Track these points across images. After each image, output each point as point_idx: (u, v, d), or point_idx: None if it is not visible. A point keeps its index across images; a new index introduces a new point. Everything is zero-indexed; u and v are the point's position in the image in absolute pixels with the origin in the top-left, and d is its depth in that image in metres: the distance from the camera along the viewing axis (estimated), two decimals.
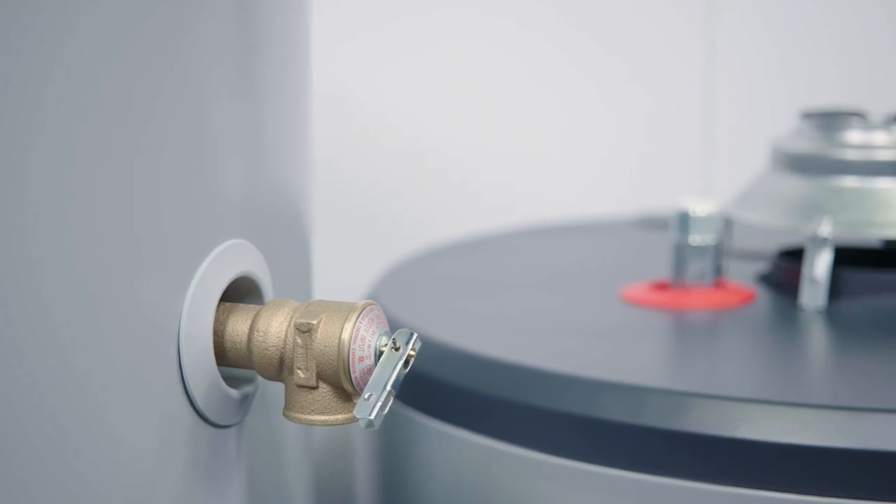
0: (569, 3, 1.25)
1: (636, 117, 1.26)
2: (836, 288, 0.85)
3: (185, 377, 0.56)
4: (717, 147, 1.26)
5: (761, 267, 0.93)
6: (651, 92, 1.26)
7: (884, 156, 0.86)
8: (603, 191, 1.26)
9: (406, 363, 0.58)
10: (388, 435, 0.81)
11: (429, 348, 0.77)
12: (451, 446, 0.76)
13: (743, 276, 0.91)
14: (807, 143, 0.88)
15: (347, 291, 1.04)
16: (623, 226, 1.10)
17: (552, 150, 1.26)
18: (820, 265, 0.84)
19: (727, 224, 0.92)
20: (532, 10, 1.24)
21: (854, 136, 0.87)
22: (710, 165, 1.26)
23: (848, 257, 0.90)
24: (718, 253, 0.87)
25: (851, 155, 0.86)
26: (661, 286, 0.88)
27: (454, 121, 1.24)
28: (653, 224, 1.07)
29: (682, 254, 0.87)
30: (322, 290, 1.09)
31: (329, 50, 1.20)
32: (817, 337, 0.83)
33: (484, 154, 1.25)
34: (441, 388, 0.76)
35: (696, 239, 0.86)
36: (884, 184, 0.86)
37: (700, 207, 0.86)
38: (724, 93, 1.26)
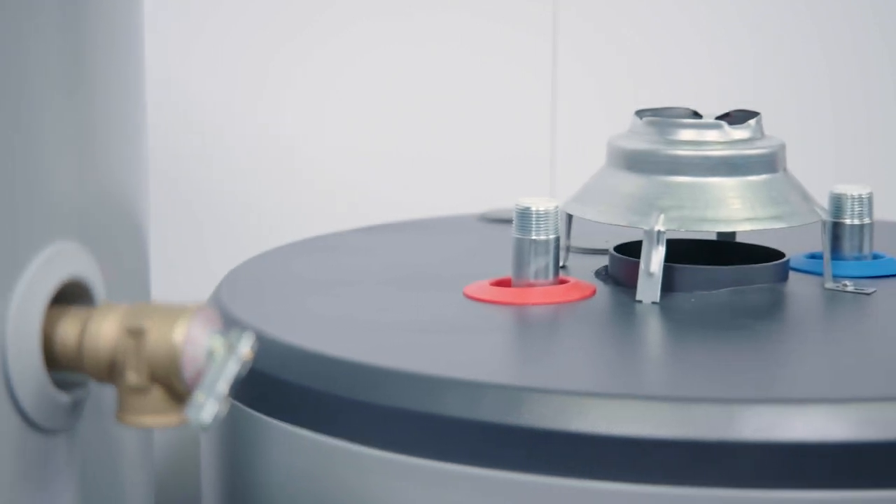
0: (422, 3, 1.26)
1: (485, 117, 1.27)
2: (670, 282, 0.87)
3: (10, 382, 0.56)
4: (562, 144, 1.29)
5: (601, 263, 0.95)
6: (498, 92, 1.27)
7: (715, 153, 0.89)
8: (453, 190, 1.27)
9: (240, 363, 0.58)
10: (232, 436, 0.81)
11: (269, 348, 0.78)
12: (294, 446, 0.76)
13: (583, 272, 0.93)
14: (641, 140, 0.90)
15: (195, 294, 1.04)
16: (469, 223, 1.11)
17: (402, 151, 1.26)
18: (655, 260, 0.86)
19: (567, 221, 0.94)
20: (380, 8, 1.25)
21: (687, 134, 0.89)
22: (556, 162, 1.28)
23: (684, 253, 0.92)
24: (559, 249, 0.88)
25: (684, 152, 0.89)
26: (504, 282, 0.89)
27: (304, 120, 1.24)
28: (499, 220, 1.09)
29: (522, 250, 0.88)
30: (171, 292, 1.09)
31: (178, 50, 1.19)
32: (651, 330, 0.85)
33: (333, 154, 1.25)
34: (282, 387, 0.77)
35: (537, 236, 0.87)
36: (716, 180, 0.88)
37: (540, 205, 0.88)
38: (567, 92, 1.28)
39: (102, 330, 0.58)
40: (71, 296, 0.60)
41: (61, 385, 0.59)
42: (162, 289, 0.91)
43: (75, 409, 0.59)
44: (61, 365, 0.58)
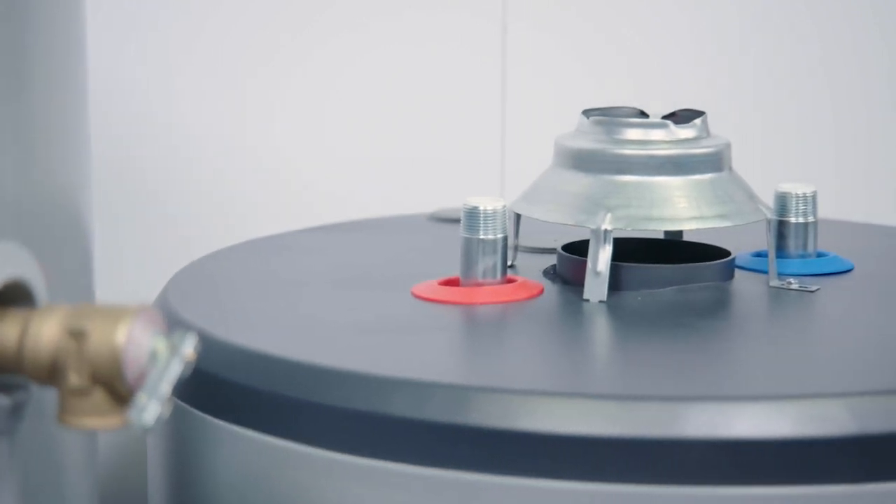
0: (371, 5, 1.26)
1: (435, 116, 1.28)
2: (617, 281, 0.88)
3: None
4: (512, 144, 1.29)
5: (549, 262, 0.95)
6: (448, 91, 1.27)
7: (661, 152, 0.89)
8: (403, 190, 1.27)
9: (183, 364, 0.58)
10: (178, 437, 0.80)
11: (216, 348, 0.77)
12: (241, 447, 0.76)
13: (531, 271, 0.93)
14: (587, 140, 0.90)
15: (142, 295, 1.03)
16: (419, 222, 1.11)
17: (352, 150, 1.26)
18: (602, 259, 0.86)
19: (516, 220, 0.94)
20: (331, 11, 1.25)
21: (633, 133, 0.90)
22: (506, 162, 1.29)
23: (631, 252, 0.93)
24: (507, 249, 0.89)
25: (630, 152, 0.89)
26: (452, 282, 0.89)
27: (253, 120, 1.24)
28: (448, 220, 1.09)
29: (470, 250, 0.88)
30: (117, 293, 1.08)
31: (128, 50, 1.19)
32: (598, 329, 0.85)
33: (283, 154, 1.25)
34: (228, 388, 0.76)
35: (485, 235, 0.88)
36: (662, 179, 0.89)
37: (488, 204, 0.88)
38: (517, 91, 1.28)
39: (43, 331, 0.57)
40: (11, 297, 0.59)
41: (1, 388, 0.59)
42: (109, 290, 0.90)
43: (16, 411, 0.59)
44: (1, 367, 0.58)
